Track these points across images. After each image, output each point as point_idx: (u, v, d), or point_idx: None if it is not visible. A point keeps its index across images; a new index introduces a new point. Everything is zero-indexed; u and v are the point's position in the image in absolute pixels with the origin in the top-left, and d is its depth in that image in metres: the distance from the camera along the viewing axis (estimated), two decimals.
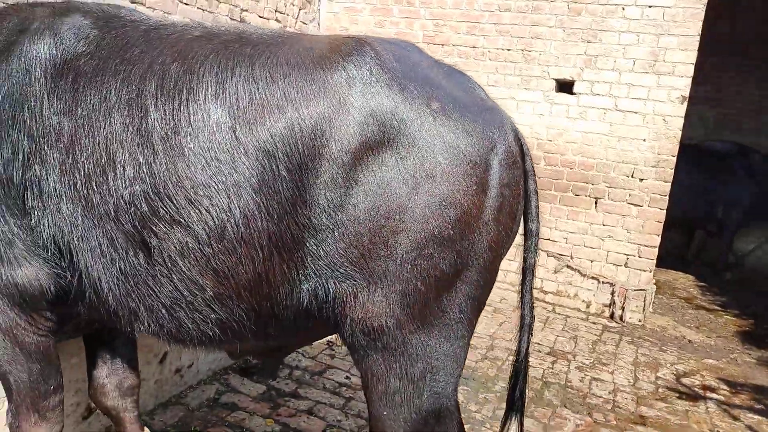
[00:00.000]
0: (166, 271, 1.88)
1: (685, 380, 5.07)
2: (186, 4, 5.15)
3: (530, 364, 4.80)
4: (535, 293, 6.64)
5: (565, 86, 6.38)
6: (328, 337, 5.00)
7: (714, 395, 4.81)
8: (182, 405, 3.64)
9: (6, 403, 2.30)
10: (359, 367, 2.00)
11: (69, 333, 2.43)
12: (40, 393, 2.21)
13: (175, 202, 1.80)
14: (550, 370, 4.93)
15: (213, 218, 1.80)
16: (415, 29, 6.92)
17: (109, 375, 2.61)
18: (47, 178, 1.91)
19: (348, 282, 1.84)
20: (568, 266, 6.50)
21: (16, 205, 1.95)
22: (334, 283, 1.85)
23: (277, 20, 6.73)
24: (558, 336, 5.72)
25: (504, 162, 1.88)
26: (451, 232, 1.81)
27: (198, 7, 5.34)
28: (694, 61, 5.86)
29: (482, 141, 1.84)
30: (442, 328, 1.91)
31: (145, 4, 4.78)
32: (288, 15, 6.86)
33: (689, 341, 6.05)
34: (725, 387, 4.99)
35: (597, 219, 6.36)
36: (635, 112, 6.11)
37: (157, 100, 1.83)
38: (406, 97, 1.79)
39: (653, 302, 6.89)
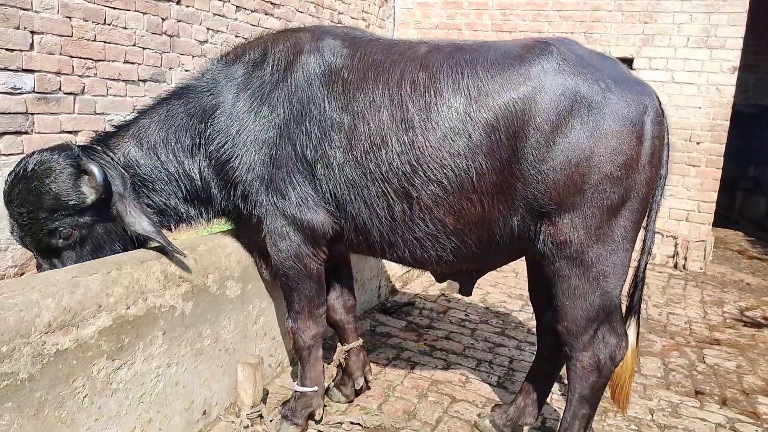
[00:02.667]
0: (420, 214, 2.79)
1: (748, 313, 5.88)
2: (300, 12, 6.03)
3: None
4: None
5: (624, 63, 7.12)
6: (441, 286, 5.93)
7: None
8: None
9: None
10: (548, 271, 2.84)
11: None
12: (315, 304, 3.15)
13: (430, 165, 2.69)
14: None
15: (456, 175, 2.68)
16: (484, 19, 7.72)
17: (337, 297, 3.55)
18: (334, 154, 2.82)
19: (545, 212, 2.70)
20: None
21: (309, 174, 2.88)
22: (535, 213, 2.72)
23: (363, 19, 7.61)
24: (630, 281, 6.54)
25: (654, 120, 2.71)
26: (620, 173, 2.64)
27: (309, 14, 6.23)
28: (743, 35, 6.58)
29: (638, 106, 2.67)
30: (611, 243, 2.74)
31: (274, 15, 5.71)
32: (371, 14, 7.72)
33: (747, 284, 6.84)
34: None
35: None
36: (690, 83, 6.86)
37: (413, 97, 2.72)
38: (583, 80, 2.63)
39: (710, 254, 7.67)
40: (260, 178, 2.90)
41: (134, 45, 4.30)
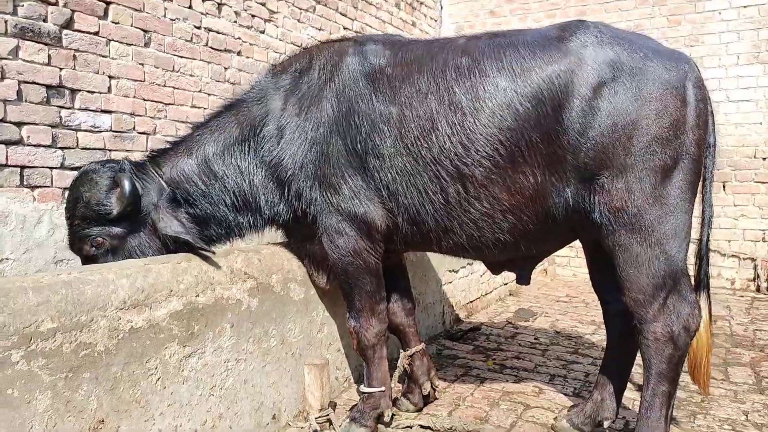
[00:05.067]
0: (475, 193, 2.82)
1: None
2: (343, 14, 6.30)
3: None
4: None
5: None
6: (508, 316, 5.79)
7: None
8: None
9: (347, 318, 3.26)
10: (608, 243, 2.77)
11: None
12: (376, 300, 3.16)
13: (481, 143, 2.76)
14: (715, 326, 5.44)
15: (507, 150, 2.73)
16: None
17: (395, 301, 3.54)
18: (384, 144, 2.92)
19: (597, 179, 2.69)
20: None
21: (360, 167, 2.98)
22: (588, 182, 2.71)
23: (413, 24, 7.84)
24: (712, 306, 6.19)
25: (695, 84, 2.72)
26: (668, 134, 2.63)
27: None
28: None
29: (678, 72, 2.69)
30: (668, 205, 2.69)
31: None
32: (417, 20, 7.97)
33: None
34: None
35: (728, 201, 6.90)
36: (747, 100, 6.74)
37: (459, 81, 2.82)
38: (622, 50, 2.68)
39: None
40: (313, 175, 3.02)
41: (200, 91, 4.65)
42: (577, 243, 3.31)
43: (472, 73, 2.82)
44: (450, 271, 5.33)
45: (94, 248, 2.96)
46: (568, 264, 7.98)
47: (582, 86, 2.65)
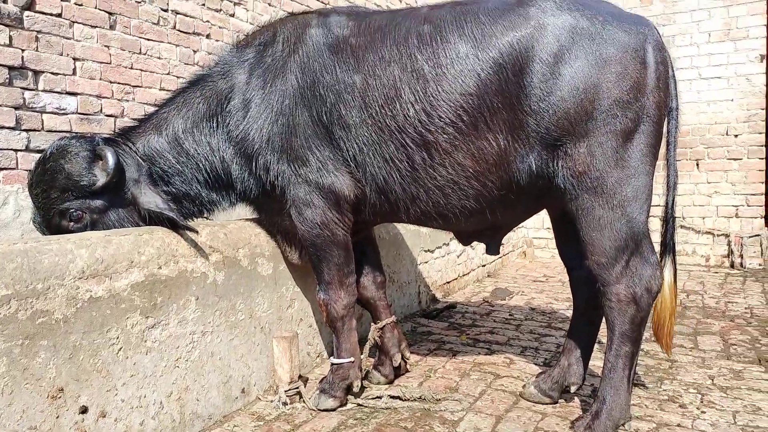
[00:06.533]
0: (440, 160, 2.84)
1: None
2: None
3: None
4: None
5: None
6: (485, 295, 5.83)
7: None
8: None
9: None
10: (572, 207, 2.79)
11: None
12: (344, 272, 3.17)
13: (444, 109, 2.77)
14: (687, 299, 5.54)
15: (470, 116, 2.75)
16: None
17: (366, 275, 3.56)
18: (350, 114, 2.92)
19: (560, 143, 2.71)
20: (681, 226, 7.07)
21: (327, 138, 2.99)
22: (551, 148, 2.73)
23: None
24: (686, 282, 6.29)
25: (655, 47, 2.74)
26: (628, 97, 2.66)
27: None
28: (766, 23, 6.55)
29: (637, 35, 2.72)
30: (629, 168, 2.70)
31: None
32: None
33: None
34: None
35: (701, 178, 6.98)
36: (719, 77, 6.81)
37: (420, 49, 2.83)
38: (581, 15, 2.70)
39: None
40: (280, 147, 3.02)
41: (169, 74, 4.63)
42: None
43: (433, 40, 2.83)
44: (426, 251, 5.35)
45: (72, 222, 2.91)
46: (547, 246, 8.04)
47: (542, 51, 2.67)
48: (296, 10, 5.85)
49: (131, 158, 3.04)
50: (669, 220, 3.03)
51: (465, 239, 3.40)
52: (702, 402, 3.23)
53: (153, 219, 2.94)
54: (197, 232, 2.93)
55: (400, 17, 3.02)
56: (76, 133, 3.92)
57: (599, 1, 2.96)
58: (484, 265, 6.76)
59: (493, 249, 3.35)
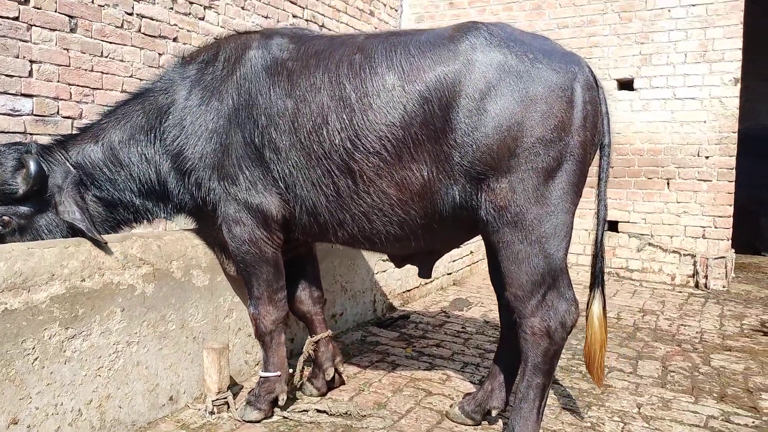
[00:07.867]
0: (364, 187, 2.89)
1: None
2: (293, 1, 6.31)
3: (620, 316, 5.50)
4: (621, 272, 7.30)
5: (625, 84, 7.21)
6: (444, 305, 5.90)
7: None
8: (338, 341, 4.61)
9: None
10: (493, 240, 2.85)
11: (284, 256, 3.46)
12: (274, 288, 3.24)
13: (369, 139, 2.82)
14: (641, 320, 5.59)
15: (394, 146, 2.79)
16: None
17: (303, 289, 3.63)
18: (280, 138, 2.98)
19: (483, 177, 2.75)
20: (649, 244, 7.13)
21: (257, 159, 3.04)
22: (474, 181, 2.78)
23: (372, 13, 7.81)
24: (646, 301, 6.35)
25: (584, 86, 2.77)
26: (552, 136, 2.69)
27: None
28: (741, 47, 6.57)
29: (566, 74, 2.75)
30: (549, 205, 2.74)
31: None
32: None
33: None
34: None
35: (671, 198, 7.02)
36: (693, 98, 6.83)
37: (350, 78, 2.88)
38: (511, 52, 2.74)
39: (738, 276, 7.35)
40: (212, 165, 3.09)
41: (131, 76, 4.69)
42: None
43: (362, 70, 2.87)
44: (384, 260, 5.42)
45: (0, 227, 3.01)
46: None
47: (469, 87, 2.70)
48: (270, 14, 5.90)
49: (59, 166, 3.11)
50: (598, 255, 3.07)
51: (399, 262, 3.46)
52: (622, 431, 3.29)
53: (70, 228, 3.04)
54: (105, 243, 2.96)
55: (338, 43, 3.06)
56: (30, 135, 3.99)
57: (536, 36, 2.99)
58: (449, 273, 6.83)
59: (424, 273, 3.41)
